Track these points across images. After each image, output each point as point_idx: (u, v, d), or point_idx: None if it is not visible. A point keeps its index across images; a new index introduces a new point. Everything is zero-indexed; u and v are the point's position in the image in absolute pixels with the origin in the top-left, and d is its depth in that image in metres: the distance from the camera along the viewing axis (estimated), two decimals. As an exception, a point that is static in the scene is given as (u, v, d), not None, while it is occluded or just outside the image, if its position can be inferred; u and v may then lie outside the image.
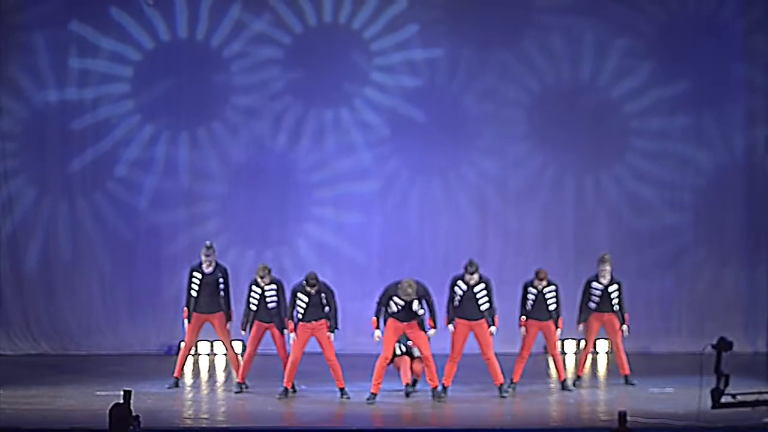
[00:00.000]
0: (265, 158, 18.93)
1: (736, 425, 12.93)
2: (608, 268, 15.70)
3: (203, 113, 18.86)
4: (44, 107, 18.75)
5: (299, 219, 18.96)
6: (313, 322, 14.72)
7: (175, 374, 15.53)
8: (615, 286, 15.72)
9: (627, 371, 15.79)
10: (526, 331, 15.34)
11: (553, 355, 15.53)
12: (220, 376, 16.95)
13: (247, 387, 15.23)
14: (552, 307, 15.28)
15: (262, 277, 15.04)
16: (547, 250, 18.79)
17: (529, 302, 15.29)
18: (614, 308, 15.69)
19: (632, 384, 15.65)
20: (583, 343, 16.09)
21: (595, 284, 15.73)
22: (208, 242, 15.65)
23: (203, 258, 15.48)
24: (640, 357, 17.97)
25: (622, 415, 10.35)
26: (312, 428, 13.41)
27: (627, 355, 15.83)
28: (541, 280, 15.32)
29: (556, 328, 15.33)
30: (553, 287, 15.32)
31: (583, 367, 16.06)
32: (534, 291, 15.28)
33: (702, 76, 18.79)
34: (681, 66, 18.80)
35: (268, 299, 15.11)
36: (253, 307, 15.13)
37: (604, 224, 18.98)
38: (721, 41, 18.80)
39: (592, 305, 15.69)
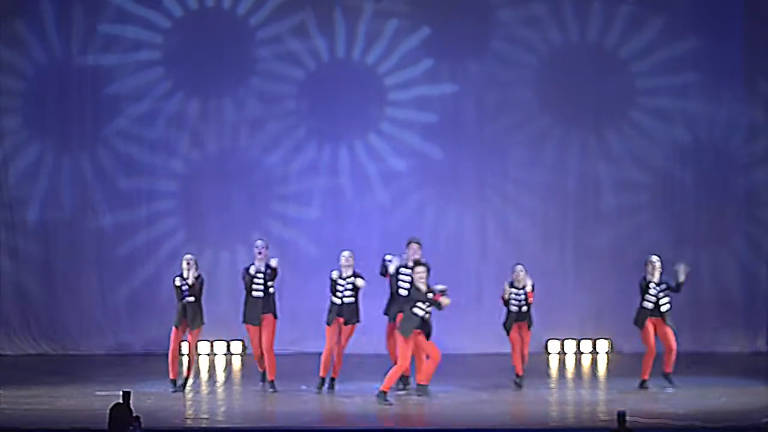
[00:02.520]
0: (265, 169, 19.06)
1: (736, 425, 12.93)
2: (658, 265, 15.45)
3: (227, 83, 18.96)
4: (60, 70, 18.82)
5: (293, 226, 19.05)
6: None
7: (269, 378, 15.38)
8: (663, 286, 15.49)
9: (669, 369, 15.47)
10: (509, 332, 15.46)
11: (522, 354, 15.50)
12: (220, 376, 16.96)
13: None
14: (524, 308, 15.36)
15: (346, 267, 15.07)
16: (546, 248, 18.83)
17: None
18: (662, 311, 15.42)
19: (671, 384, 15.40)
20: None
21: (652, 285, 15.50)
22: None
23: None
24: (639, 357, 17.98)
25: (622, 415, 10.34)
26: (312, 428, 13.41)
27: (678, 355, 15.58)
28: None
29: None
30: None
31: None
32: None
33: (707, 35, 18.82)
34: (688, 25, 18.84)
35: (345, 293, 15.20)
36: (337, 301, 15.18)
37: (604, 224, 19.01)
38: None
39: (649, 305, 15.45)
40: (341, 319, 15.12)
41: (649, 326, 15.45)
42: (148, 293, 18.80)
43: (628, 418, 10.34)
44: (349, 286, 15.09)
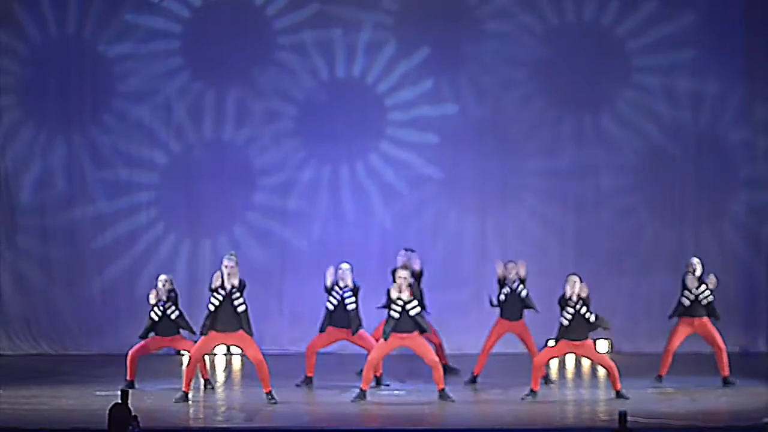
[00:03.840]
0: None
1: (736, 425, 12.93)
2: (698, 268, 15.44)
3: (246, 70, 18.94)
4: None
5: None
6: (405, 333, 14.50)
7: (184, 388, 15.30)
8: (704, 287, 15.45)
9: (727, 372, 15.49)
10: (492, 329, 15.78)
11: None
12: (220, 376, 16.95)
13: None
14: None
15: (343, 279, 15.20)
16: (546, 248, 18.82)
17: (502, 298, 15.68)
18: (704, 305, 15.38)
19: (732, 384, 15.38)
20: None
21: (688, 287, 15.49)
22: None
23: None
24: (639, 357, 17.98)
25: (622, 415, 10.34)
26: (312, 428, 13.41)
27: (729, 355, 15.58)
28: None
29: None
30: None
31: (665, 368, 15.61)
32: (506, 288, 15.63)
33: (706, 11, 18.81)
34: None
35: (347, 301, 15.30)
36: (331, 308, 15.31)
37: (604, 224, 19.01)
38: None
39: (686, 302, 15.42)
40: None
41: (681, 328, 15.43)
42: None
43: (628, 418, 10.34)
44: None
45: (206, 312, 14.39)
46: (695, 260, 15.59)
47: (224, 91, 18.91)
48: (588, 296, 14.64)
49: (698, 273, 15.50)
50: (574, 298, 14.61)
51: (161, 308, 15.28)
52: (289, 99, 18.95)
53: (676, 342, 15.55)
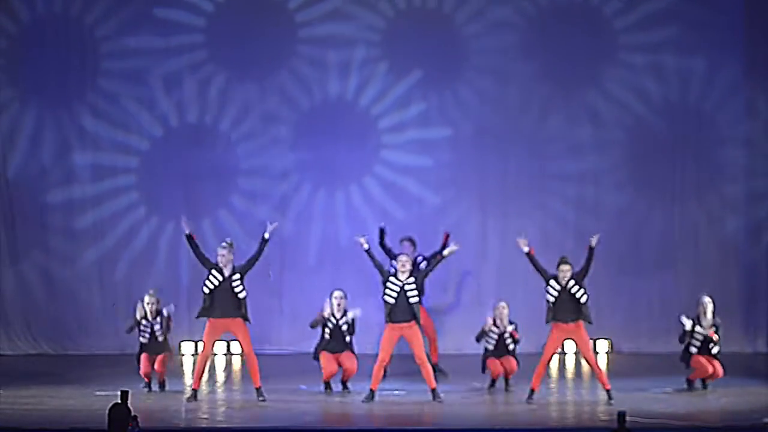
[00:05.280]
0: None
1: (736, 425, 12.95)
2: (710, 308, 15.20)
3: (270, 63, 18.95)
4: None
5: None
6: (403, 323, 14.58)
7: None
8: (713, 329, 15.25)
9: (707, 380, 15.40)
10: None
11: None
12: (220, 376, 16.97)
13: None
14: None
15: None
16: (546, 247, 18.83)
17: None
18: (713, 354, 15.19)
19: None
20: None
21: (698, 329, 15.24)
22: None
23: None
24: (639, 357, 18.01)
25: (622, 415, 10.36)
26: (312, 428, 13.42)
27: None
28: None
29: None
30: None
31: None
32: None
33: None
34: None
35: (345, 333, 15.25)
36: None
37: (603, 224, 19.00)
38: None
39: (693, 350, 15.22)
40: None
41: (701, 359, 15.20)
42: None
43: (628, 418, 10.35)
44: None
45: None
46: (707, 299, 15.28)
47: (218, 83, 18.90)
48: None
49: (710, 312, 15.21)
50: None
51: (148, 328, 15.39)
52: (283, 120, 18.98)
53: (708, 368, 15.19)
